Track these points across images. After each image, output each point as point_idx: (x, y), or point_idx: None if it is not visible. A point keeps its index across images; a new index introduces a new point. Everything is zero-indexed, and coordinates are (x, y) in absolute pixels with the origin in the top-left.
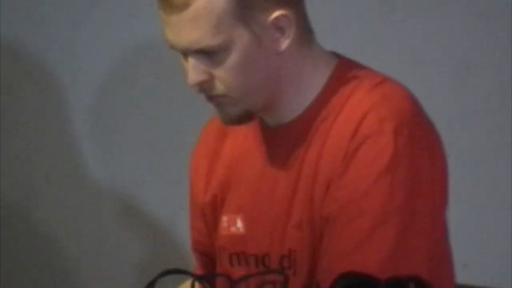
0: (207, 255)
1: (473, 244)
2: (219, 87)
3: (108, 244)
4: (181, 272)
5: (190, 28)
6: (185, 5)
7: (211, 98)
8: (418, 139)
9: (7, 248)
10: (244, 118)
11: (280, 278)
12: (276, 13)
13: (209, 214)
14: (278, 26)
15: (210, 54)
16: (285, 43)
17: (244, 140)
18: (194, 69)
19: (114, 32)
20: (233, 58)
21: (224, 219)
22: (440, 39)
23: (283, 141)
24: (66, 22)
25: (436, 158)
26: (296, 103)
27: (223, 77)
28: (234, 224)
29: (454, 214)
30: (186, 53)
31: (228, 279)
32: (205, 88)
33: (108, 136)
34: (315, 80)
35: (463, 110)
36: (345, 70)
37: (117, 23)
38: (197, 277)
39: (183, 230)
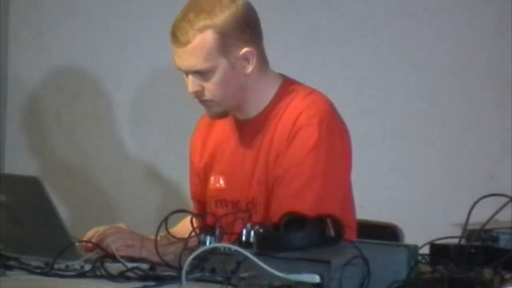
0: (201, 201)
1: (367, 193)
2: (207, 95)
3: (137, 194)
4: (184, 211)
5: (190, 57)
6: (187, 43)
7: (202, 101)
8: (333, 129)
9: (72, 196)
10: (223, 114)
11: (247, 215)
12: (244, 49)
13: (202, 175)
14: (245, 58)
15: (202, 74)
16: (250, 68)
17: (224, 128)
18: (191, 83)
19: (145, 55)
20: (216, 77)
21: (212, 178)
22: (345, 63)
23: (249, 129)
24: (112, 46)
25: (345, 141)
26: (256, 105)
27: (210, 89)
28: (218, 182)
29: (355, 173)
30: (186, 72)
31: (215, 216)
32: (198, 95)
33: (139, 124)
34: (268, 91)
35: (362, 110)
36: (287, 85)
37: (148, 49)
38: (194, 215)
39: (186, 186)
